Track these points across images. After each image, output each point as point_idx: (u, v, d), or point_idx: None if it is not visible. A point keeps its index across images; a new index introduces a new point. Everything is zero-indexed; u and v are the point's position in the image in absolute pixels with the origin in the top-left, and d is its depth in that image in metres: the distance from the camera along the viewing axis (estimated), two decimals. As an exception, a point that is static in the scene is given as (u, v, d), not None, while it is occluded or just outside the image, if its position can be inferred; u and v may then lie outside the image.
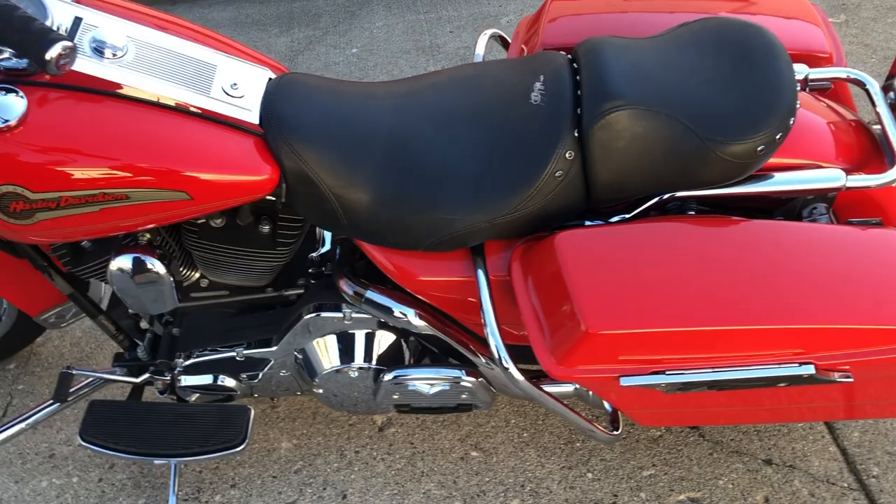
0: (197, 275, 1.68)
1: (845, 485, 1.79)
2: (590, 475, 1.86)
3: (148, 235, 1.52)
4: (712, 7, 1.73)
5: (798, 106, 1.37)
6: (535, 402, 1.53)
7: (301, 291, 1.70)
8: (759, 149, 1.34)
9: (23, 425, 1.82)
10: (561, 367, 1.33)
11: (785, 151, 1.42)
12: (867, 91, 1.53)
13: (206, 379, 1.75)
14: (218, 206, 1.40)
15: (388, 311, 1.54)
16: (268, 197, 1.46)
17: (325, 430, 1.99)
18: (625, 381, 1.33)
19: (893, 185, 1.43)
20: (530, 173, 1.39)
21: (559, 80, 1.44)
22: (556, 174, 1.39)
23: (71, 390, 1.81)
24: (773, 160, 1.42)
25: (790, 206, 1.48)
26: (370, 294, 1.54)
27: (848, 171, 1.42)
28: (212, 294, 1.71)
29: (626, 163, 1.38)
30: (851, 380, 1.33)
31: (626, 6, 1.77)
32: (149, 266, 1.50)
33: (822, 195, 1.45)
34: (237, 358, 1.71)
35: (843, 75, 1.55)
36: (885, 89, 1.55)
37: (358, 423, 2.00)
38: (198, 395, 1.81)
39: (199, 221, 1.53)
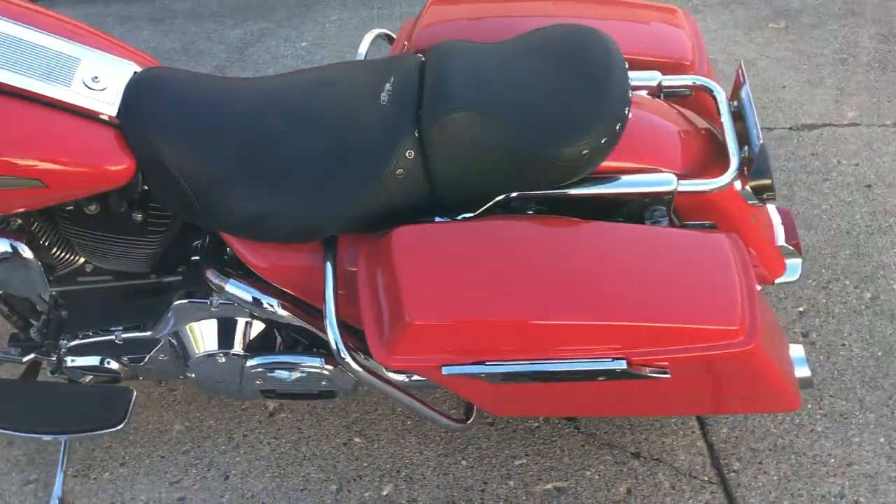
0: (81, 259, 1.74)
1: (706, 478, 1.84)
2: (464, 462, 1.92)
3: (20, 221, 1.59)
4: (583, 12, 1.78)
5: (628, 113, 1.43)
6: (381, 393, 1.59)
7: (179, 278, 1.76)
8: (584, 153, 1.40)
9: None
10: (389, 356, 1.39)
11: (622, 155, 1.48)
12: (714, 98, 1.58)
13: (91, 361, 1.83)
14: (74, 194, 1.46)
15: (250, 300, 1.61)
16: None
17: (218, 414, 2.06)
18: (446, 371, 1.39)
19: (727, 188, 1.49)
20: (374, 171, 1.45)
21: (406, 82, 1.49)
22: (398, 172, 1.44)
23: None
24: (611, 164, 1.48)
25: (631, 209, 1.53)
26: (232, 283, 1.61)
27: (683, 176, 1.48)
28: (96, 279, 1.78)
29: (463, 163, 1.44)
30: (668, 375, 1.38)
31: (502, 11, 1.82)
32: (15, 250, 1.57)
33: (659, 198, 1.51)
34: (116, 341, 1.78)
35: (691, 82, 1.60)
36: (732, 98, 1.61)
37: (250, 409, 2.07)
38: (90, 376, 1.88)
39: (69, 208, 1.60)
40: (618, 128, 1.41)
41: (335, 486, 1.89)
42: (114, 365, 1.82)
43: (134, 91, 1.50)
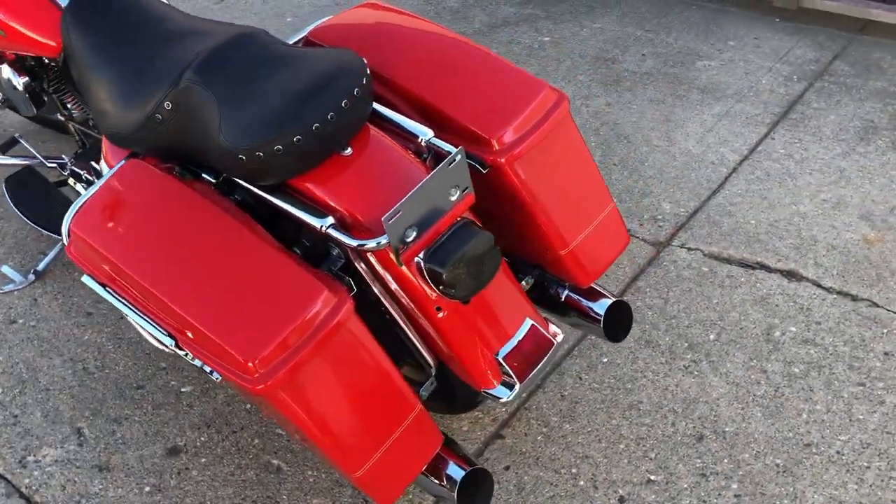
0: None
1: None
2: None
3: (31, 63, 2.09)
4: (453, 54, 1.70)
5: (332, 119, 1.40)
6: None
7: None
8: (240, 157, 1.40)
9: None
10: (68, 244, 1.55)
11: (319, 184, 1.46)
12: None
13: None
14: (20, 49, 1.96)
15: None
16: None
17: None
18: (84, 279, 1.52)
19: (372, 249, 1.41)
20: (143, 106, 1.54)
21: (206, 45, 1.54)
22: (156, 116, 1.52)
23: (9, 153, 2.42)
24: (309, 187, 1.46)
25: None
26: None
27: (343, 219, 1.43)
28: None
29: (192, 131, 1.49)
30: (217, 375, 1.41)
31: (401, 35, 1.75)
32: (7, 75, 2.09)
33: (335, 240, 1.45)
34: None
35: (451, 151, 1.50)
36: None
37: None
38: None
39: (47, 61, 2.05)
40: (314, 129, 1.39)
41: (299, 479, 1.84)
42: None
43: None
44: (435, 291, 1.42)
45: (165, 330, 1.40)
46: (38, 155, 2.30)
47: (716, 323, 2.13)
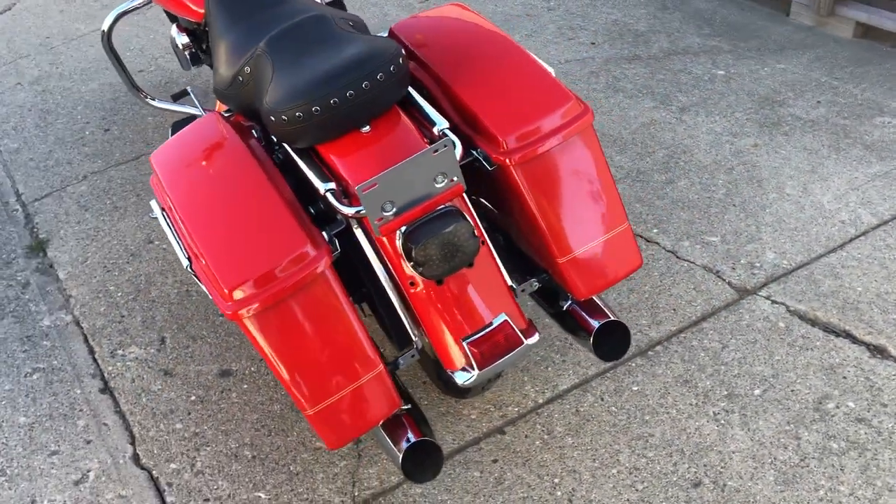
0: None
1: None
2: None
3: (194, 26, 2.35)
4: (496, 52, 1.80)
5: (349, 96, 1.55)
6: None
7: None
8: (271, 118, 1.60)
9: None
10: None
11: (339, 153, 1.63)
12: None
13: None
14: (172, 8, 2.33)
15: None
16: None
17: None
18: (152, 203, 1.81)
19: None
20: (233, 65, 1.79)
21: (290, 17, 1.78)
22: (240, 77, 1.75)
23: (178, 102, 2.73)
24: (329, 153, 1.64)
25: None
26: None
27: (346, 188, 1.59)
28: None
29: (258, 92, 1.70)
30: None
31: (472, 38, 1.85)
32: (173, 34, 2.41)
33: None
34: None
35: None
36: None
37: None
38: None
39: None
40: (332, 102, 1.54)
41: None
42: None
43: None
44: (408, 266, 1.53)
45: (186, 252, 1.64)
46: (199, 106, 2.66)
47: (767, 379, 2.01)
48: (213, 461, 1.95)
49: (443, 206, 1.53)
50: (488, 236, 1.65)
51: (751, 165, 2.74)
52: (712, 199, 2.61)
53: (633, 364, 2.08)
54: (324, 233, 1.58)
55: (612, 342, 1.72)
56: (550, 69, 1.77)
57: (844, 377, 2.00)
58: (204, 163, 1.70)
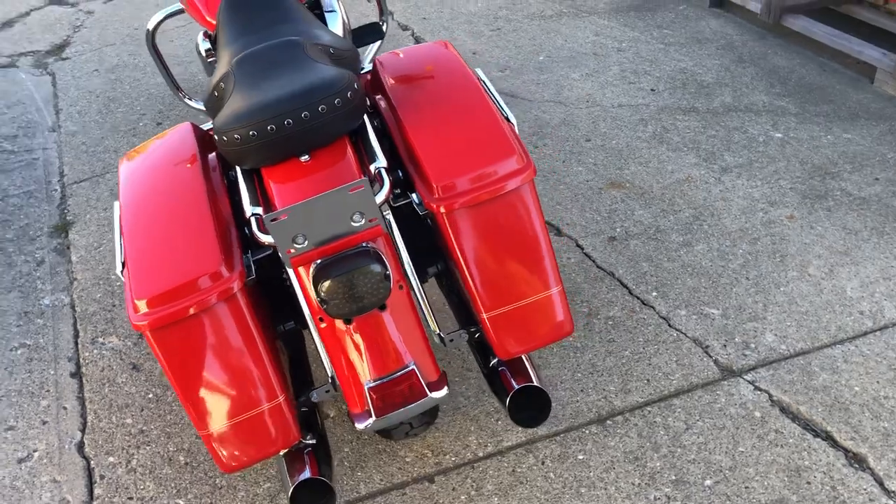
0: None
1: None
2: (361, 474, 1.92)
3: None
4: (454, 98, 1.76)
5: (287, 124, 1.54)
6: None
7: None
8: (214, 136, 1.61)
9: None
10: None
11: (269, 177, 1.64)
12: None
13: None
14: (193, 17, 2.36)
15: None
16: None
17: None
18: (115, 202, 1.79)
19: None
20: (212, 82, 1.80)
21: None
22: (215, 93, 1.77)
23: None
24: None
25: None
26: None
27: None
28: None
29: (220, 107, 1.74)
30: None
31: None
32: (198, 39, 2.42)
33: None
34: None
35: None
36: None
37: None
38: None
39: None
40: (269, 129, 1.53)
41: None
42: None
43: None
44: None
45: (122, 256, 1.67)
46: None
47: (723, 470, 1.87)
48: (148, 461, 1.99)
49: (360, 245, 1.50)
50: (444, 281, 1.62)
51: (779, 238, 2.57)
52: (725, 269, 2.46)
53: (587, 431, 1.98)
54: (246, 256, 1.58)
55: (531, 409, 1.64)
56: (513, 120, 1.72)
57: (809, 482, 1.83)
58: (159, 171, 1.74)
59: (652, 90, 3.45)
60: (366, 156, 1.65)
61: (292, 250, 1.46)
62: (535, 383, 1.63)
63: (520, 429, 2.00)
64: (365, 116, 1.70)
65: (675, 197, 2.79)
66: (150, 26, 2.71)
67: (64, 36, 4.20)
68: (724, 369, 2.13)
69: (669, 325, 2.28)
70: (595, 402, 2.05)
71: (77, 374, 2.24)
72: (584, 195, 2.82)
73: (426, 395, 1.56)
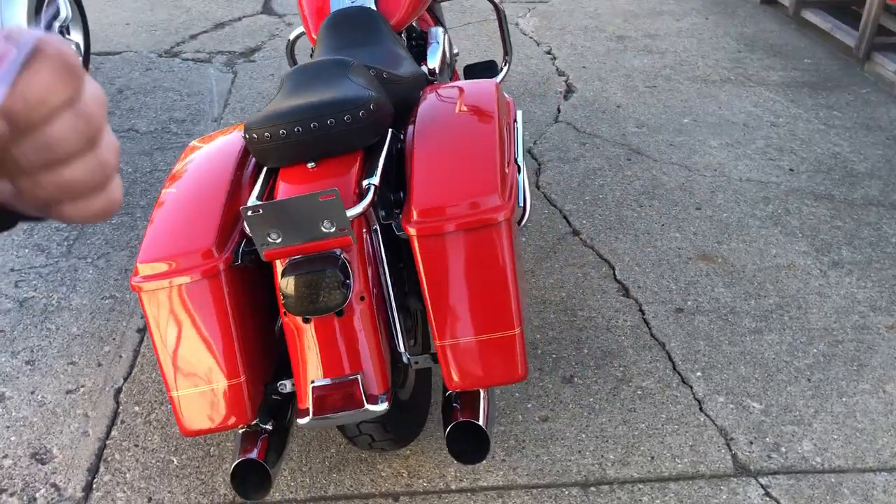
0: None
1: None
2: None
3: None
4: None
5: (314, 127, 1.65)
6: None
7: None
8: (253, 136, 1.72)
9: None
10: None
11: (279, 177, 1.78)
12: None
13: None
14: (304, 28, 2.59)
15: None
16: None
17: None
18: None
19: None
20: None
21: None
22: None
23: None
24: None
25: None
26: None
27: None
28: None
29: None
30: None
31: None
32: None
33: None
34: None
35: None
36: None
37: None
38: None
39: None
40: (281, 133, 1.66)
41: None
42: None
43: None
44: None
45: None
46: None
47: (690, 568, 1.73)
48: (164, 418, 2.17)
49: (331, 251, 1.58)
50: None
51: (866, 346, 2.33)
52: (788, 366, 2.27)
53: (566, 492, 1.91)
54: (239, 245, 1.71)
55: (471, 445, 1.62)
56: (523, 165, 1.73)
57: None
58: (204, 157, 1.92)
59: (791, 170, 3.24)
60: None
61: (266, 244, 1.56)
62: (479, 422, 1.62)
63: (500, 472, 1.97)
64: (389, 136, 1.78)
65: (765, 282, 2.61)
66: (291, 37, 2.97)
67: (260, 41, 4.65)
68: (739, 466, 1.97)
69: (700, 409, 2.14)
70: (587, 466, 1.98)
71: (143, 330, 2.48)
72: (669, 262, 2.71)
73: (363, 406, 1.60)
